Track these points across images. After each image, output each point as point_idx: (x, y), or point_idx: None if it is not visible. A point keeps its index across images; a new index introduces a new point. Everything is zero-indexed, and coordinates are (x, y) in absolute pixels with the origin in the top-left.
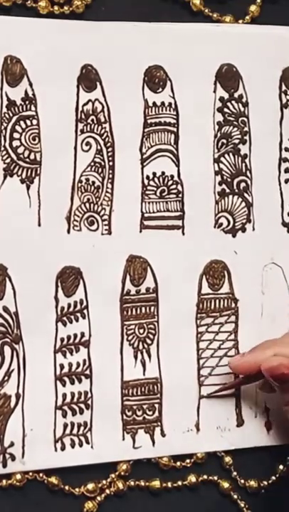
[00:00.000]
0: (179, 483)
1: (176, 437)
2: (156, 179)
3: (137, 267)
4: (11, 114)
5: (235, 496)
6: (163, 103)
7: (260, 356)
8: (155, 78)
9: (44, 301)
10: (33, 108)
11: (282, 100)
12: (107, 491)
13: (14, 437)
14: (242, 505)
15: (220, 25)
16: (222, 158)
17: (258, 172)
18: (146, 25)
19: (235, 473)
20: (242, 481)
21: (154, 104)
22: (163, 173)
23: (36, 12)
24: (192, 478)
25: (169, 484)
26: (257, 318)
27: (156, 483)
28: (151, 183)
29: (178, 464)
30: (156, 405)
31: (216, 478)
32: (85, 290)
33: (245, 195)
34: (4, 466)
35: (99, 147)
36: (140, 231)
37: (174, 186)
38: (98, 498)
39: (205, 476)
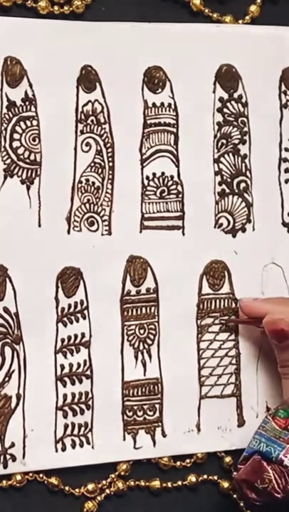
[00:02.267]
0: (179, 483)
1: (177, 437)
2: (156, 179)
3: (137, 267)
4: (11, 115)
5: (235, 496)
6: (162, 103)
7: (269, 307)
8: (155, 79)
9: (44, 302)
10: (33, 109)
11: (282, 100)
12: (107, 491)
13: (15, 438)
14: (242, 504)
15: (220, 25)
16: (222, 159)
17: (257, 172)
18: (146, 26)
19: (235, 473)
20: None
21: (154, 104)
22: (163, 173)
23: (36, 12)
24: (192, 478)
25: (169, 484)
26: None
27: (156, 483)
28: (151, 183)
29: (178, 463)
30: (157, 405)
31: (216, 477)
32: (85, 290)
33: (245, 195)
34: (5, 466)
35: (99, 148)
36: (140, 231)
37: (173, 187)
38: (98, 498)
39: (205, 476)
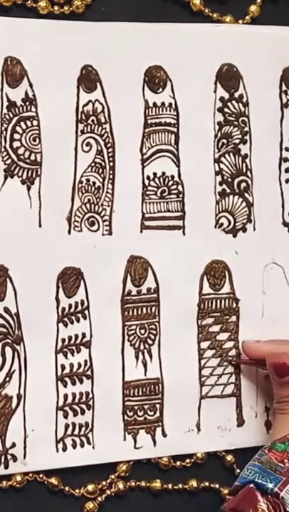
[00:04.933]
0: (180, 485)
1: (178, 437)
2: (156, 179)
3: (137, 267)
4: (11, 115)
5: None
6: (163, 103)
7: (272, 347)
8: (155, 78)
9: (45, 302)
10: (33, 109)
11: (283, 100)
12: (108, 492)
13: (16, 438)
14: None
15: (220, 25)
16: (222, 158)
17: (258, 172)
18: (146, 25)
19: (238, 470)
20: None
21: (155, 104)
22: (163, 173)
23: (36, 12)
24: (193, 484)
25: (170, 486)
26: (258, 318)
27: (157, 484)
28: (152, 183)
29: (178, 463)
30: (158, 405)
31: (217, 486)
32: (86, 291)
33: (246, 195)
34: (6, 467)
35: (99, 148)
36: (141, 231)
37: (174, 186)
38: (99, 499)
39: (206, 483)
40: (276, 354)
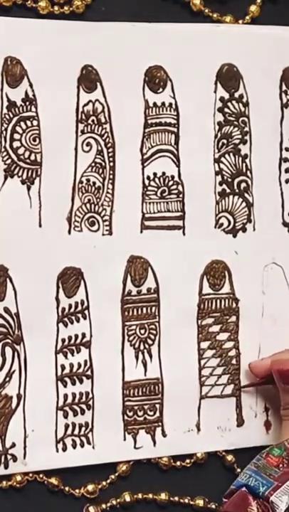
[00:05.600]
0: (186, 500)
1: (177, 437)
2: (156, 179)
3: (137, 267)
4: (11, 115)
5: None
6: (163, 103)
7: (276, 357)
8: (155, 78)
9: (45, 302)
10: (33, 109)
11: (283, 100)
12: (114, 502)
13: (16, 438)
14: None
15: (220, 25)
16: (222, 159)
17: (258, 172)
18: (146, 26)
19: (238, 470)
20: None
21: (155, 104)
22: (163, 173)
23: (36, 12)
24: (200, 502)
25: (176, 498)
26: (258, 318)
27: (163, 497)
28: (152, 183)
29: (178, 463)
30: (158, 405)
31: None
32: (86, 291)
33: (246, 195)
34: (6, 467)
35: (99, 148)
36: (141, 231)
37: (174, 187)
38: (103, 506)
39: (213, 506)
40: (280, 361)
